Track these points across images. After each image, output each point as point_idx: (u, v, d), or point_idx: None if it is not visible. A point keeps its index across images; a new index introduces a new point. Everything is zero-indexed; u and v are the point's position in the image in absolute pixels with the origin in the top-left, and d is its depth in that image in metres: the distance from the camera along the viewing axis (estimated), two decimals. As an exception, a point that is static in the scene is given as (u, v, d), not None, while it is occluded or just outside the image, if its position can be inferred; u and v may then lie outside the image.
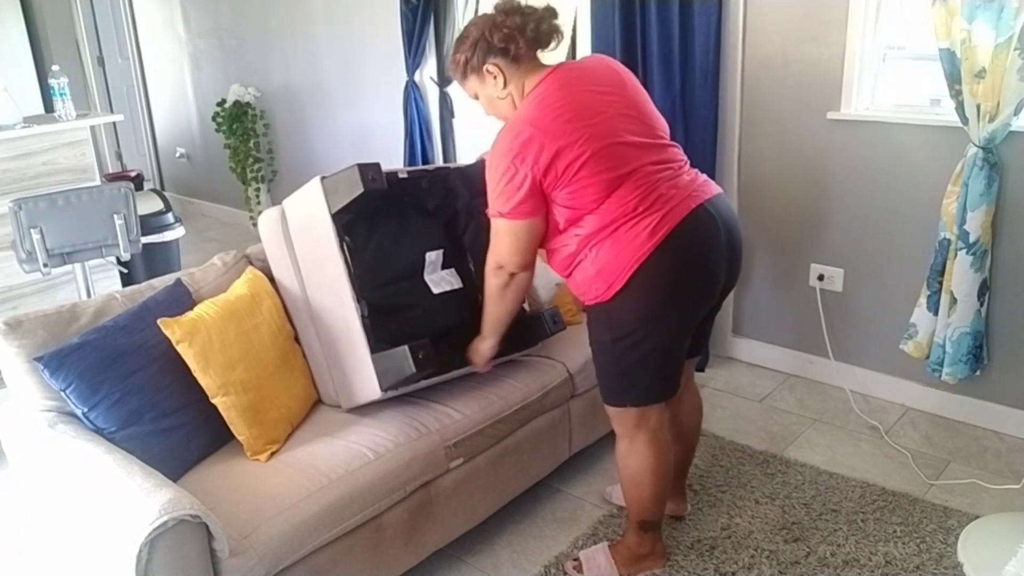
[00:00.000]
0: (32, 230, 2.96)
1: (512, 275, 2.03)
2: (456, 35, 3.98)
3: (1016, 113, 2.49)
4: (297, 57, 5.05)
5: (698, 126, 3.16)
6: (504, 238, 1.98)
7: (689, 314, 1.99)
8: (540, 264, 2.72)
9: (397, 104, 4.38)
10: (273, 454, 2.10)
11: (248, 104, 5.32)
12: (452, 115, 4.25)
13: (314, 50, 4.91)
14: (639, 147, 1.92)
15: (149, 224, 3.86)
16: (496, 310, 2.14)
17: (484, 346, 2.25)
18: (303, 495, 1.92)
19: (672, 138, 3.50)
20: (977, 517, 2.41)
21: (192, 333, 2.03)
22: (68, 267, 3.20)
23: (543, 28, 1.96)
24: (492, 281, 2.07)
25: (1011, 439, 2.83)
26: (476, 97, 2.06)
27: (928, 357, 2.87)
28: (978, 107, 2.52)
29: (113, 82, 6.80)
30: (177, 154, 6.39)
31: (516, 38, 1.92)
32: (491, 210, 1.97)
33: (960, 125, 2.61)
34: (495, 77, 1.96)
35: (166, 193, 5.82)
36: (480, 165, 2.35)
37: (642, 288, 1.89)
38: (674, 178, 1.94)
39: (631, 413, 2.05)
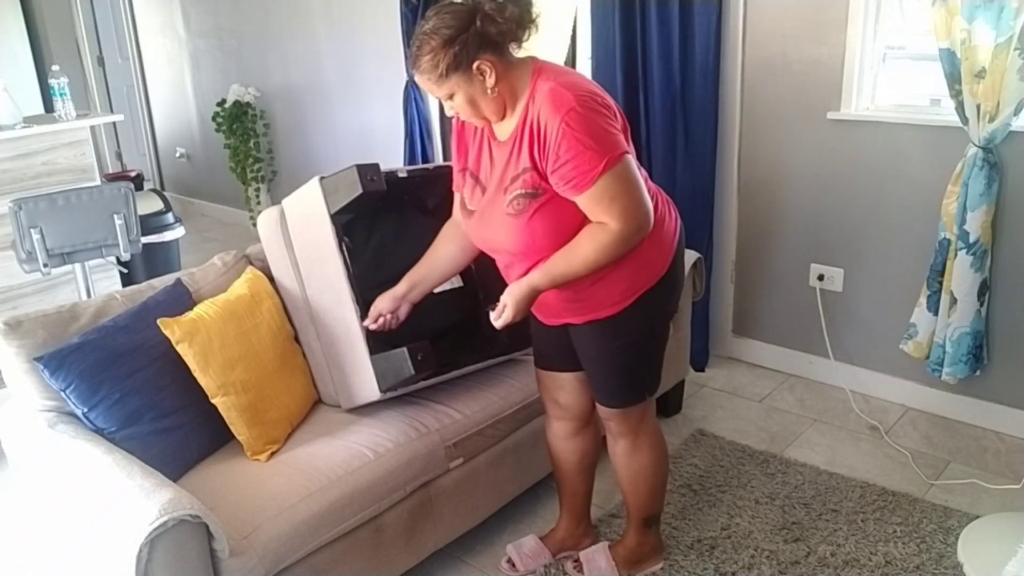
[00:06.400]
0: (32, 230, 2.96)
1: (642, 240, 1.77)
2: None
3: (1016, 113, 2.49)
4: (297, 57, 5.05)
5: (698, 126, 3.16)
6: (627, 188, 1.70)
7: (676, 307, 2.05)
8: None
9: (397, 104, 4.37)
10: (273, 454, 2.10)
11: (248, 104, 5.31)
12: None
13: (314, 50, 4.90)
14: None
15: (149, 224, 3.85)
16: (586, 266, 1.76)
17: (528, 288, 1.80)
18: (303, 495, 1.92)
19: (672, 138, 3.49)
20: (977, 517, 2.41)
21: (192, 333, 2.03)
22: (68, 267, 3.20)
23: (534, 21, 1.74)
24: (616, 249, 1.73)
25: (1011, 439, 2.83)
26: (449, 98, 1.75)
27: (928, 357, 2.87)
28: (978, 107, 2.52)
29: (113, 82, 6.79)
30: (177, 154, 6.38)
31: (515, 32, 1.71)
32: (591, 172, 1.67)
33: (960, 125, 2.60)
34: (485, 75, 1.71)
35: (166, 193, 5.81)
36: None
37: (665, 284, 1.92)
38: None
39: (635, 410, 2.06)
